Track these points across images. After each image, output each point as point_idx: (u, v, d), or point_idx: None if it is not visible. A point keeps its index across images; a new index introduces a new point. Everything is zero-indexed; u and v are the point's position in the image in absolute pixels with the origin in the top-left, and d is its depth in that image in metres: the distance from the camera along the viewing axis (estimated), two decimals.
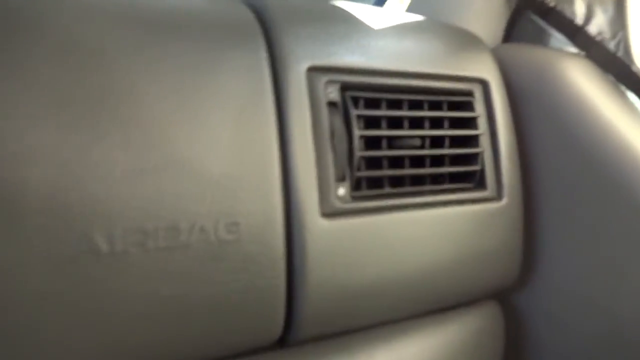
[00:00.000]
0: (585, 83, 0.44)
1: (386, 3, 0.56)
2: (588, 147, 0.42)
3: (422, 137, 0.38)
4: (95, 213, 0.26)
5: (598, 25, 0.48)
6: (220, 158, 0.29)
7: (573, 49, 0.49)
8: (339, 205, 0.33)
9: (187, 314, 0.29)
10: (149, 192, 0.27)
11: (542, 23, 0.51)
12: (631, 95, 0.47)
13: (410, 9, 0.52)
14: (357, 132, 0.34)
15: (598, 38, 0.47)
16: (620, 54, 0.46)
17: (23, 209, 0.25)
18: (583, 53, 0.48)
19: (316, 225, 0.32)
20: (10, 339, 0.25)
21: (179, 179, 0.28)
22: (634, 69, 0.45)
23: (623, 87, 0.47)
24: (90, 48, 0.27)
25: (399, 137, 0.37)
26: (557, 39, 0.51)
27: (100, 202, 0.26)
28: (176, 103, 0.28)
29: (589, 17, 0.48)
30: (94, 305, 0.26)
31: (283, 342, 0.34)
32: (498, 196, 0.41)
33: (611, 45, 0.47)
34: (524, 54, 0.48)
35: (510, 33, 0.53)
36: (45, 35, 0.26)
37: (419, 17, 0.43)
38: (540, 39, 0.52)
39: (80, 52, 0.27)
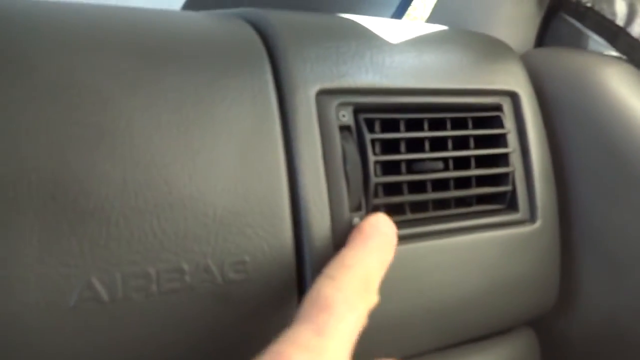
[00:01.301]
0: (627, 91, 0.41)
1: (405, 15, 0.53)
2: (631, 162, 0.38)
3: (446, 159, 0.35)
4: (94, 258, 0.25)
5: None
6: (224, 193, 0.28)
7: (613, 53, 0.45)
8: None
9: None
10: (149, 233, 0.26)
11: (578, 25, 0.47)
12: None
13: (432, 19, 0.49)
14: (372, 157, 0.32)
15: None
16: None
17: None
18: (625, 57, 0.44)
19: (330, 259, 0.30)
20: None
21: (181, 218, 0.27)
22: None
23: None
24: (85, 85, 0.26)
25: (420, 160, 0.34)
26: (596, 41, 0.47)
27: (99, 246, 0.25)
28: (176, 139, 0.27)
29: (631, 17, 0.44)
30: (96, 358, 0.25)
31: None
32: (531, 218, 0.38)
33: None
34: (557, 59, 0.44)
35: (544, 37, 0.49)
36: (39, 72, 0.25)
37: (439, 27, 0.41)
38: (577, 43, 0.48)
39: (75, 90, 0.25)
